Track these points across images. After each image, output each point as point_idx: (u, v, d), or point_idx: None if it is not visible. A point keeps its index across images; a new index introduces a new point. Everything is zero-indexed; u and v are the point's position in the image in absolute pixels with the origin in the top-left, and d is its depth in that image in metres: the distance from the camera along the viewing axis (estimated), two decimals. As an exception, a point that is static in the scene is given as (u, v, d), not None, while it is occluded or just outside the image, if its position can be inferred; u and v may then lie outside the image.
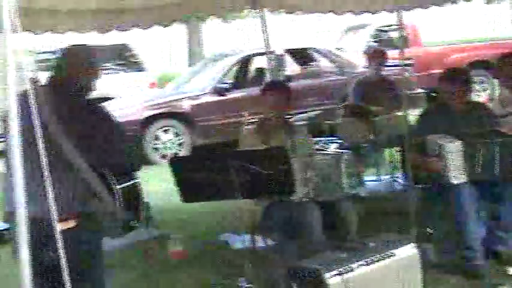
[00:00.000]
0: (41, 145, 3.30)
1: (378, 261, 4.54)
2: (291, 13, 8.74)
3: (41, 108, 3.50)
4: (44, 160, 3.34)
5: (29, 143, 3.35)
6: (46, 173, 3.37)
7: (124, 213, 4.27)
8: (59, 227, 3.57)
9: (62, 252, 3.35)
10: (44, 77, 4.10)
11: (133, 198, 4.43)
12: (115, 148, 4.14)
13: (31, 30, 6.77)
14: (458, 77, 6.34)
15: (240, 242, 6.75)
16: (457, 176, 5.73)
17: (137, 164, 4.45)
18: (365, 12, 8.31)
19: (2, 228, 8.01)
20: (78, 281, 3.77)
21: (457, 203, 5.76)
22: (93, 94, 4.32)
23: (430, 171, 5.96)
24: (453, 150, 5.74)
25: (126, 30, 7.74)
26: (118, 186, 4.27)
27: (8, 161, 4.02)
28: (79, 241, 3.96)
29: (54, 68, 4.28)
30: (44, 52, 13.95)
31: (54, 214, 3.44)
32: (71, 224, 3.92)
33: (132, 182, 4.45)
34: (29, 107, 3.29)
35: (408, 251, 4.73)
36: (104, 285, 4.28)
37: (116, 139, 4.18)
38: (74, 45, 4.43)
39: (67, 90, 4.10)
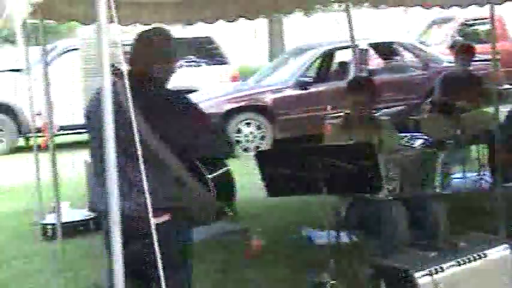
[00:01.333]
0: (133, 140, 3.26)
1: (469, 262, 4.41)
2: (376, 7, 8.61)
3: (125, 103, 3.46)
4: (136, 156, 3.30)
5: (118, 139, 3.31)
6: (139, 169, 3.34)
7: (217, 202, 4.22)
8: (153, 222, 3.57)
9: (155, 246, 3.31)
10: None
11: (225, 186, 4.39)
12: (203, 137, 4.01)
13: (117, 22, 6.78)
14: None
15: (323, 237, 6.67)
16: None
17: (227, 151, 4.33)
18: (454, 6, 8.09)
19: (86, 218, 8.16)
20: (171, 273, 3.79)
21: None
22: (176, 86, 4.19)
23: None
24: None
25: (211, 22, 7.74)
26: (210, 176, 4.22)
27: (94, 154, 4.02)
28: (173, 234, 3.92)
29: (132, 57, 4.04)
30: (126, 45, 14.07)
31: (148, 210, 3.42)
32: (165, 218, 3.87)
33: (223, 170, 4.41)
34: (116, 101, 3.25)
35: (501, 252, 4.58)
36: (191, 276, 4.23)
37: (203, 127, 4.05)
38: (147, 30, 4.21)
39: (147, 81, 3.95)
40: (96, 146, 3.89)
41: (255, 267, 6.35)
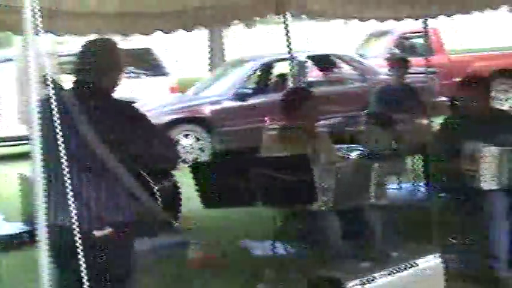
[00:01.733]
0: (63, 152, 3.25)
1: (400, 271, 4.48)
2: (314, 19, 8.72)
3: (70, 113, 3.45)
4: (68, 167, 3.30)
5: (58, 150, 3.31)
6: (70, 181, 3.35)
7: (164, 214, 4.21)
8: (95, 234, 3.72)
9: (84, 258, 3.32)
10: (66, 80, 3.99)
11: (172, 197, 4.39)
12: (153, 147, 3.99)
13: (52, 32, 6.75)
14: (478, 83, 6.28)
15: (260, 249, 6.69)
16: (488, 181, 5.66)
17: (174, 162, 4.32)
18: (390, 19, 8.25)
19: (22, 231, 8.04)
20: (115, 285, 3.91)
21: (487, 210, 5.69)
22: (115, 97, 4.16)
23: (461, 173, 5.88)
24: (488, 154, 5.66)
25: (148, 34, 7.71)
26: (156, 187, 4.21)
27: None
28: (114, 247, 3.90)
29: (78, 67, 4.03)
30: (66, 55, 13.95)
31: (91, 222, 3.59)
32: (107, 231, 3.86)
33: (170, 181, 4.41)
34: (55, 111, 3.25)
35: (432, 261, 4.67)
36: None
37: (152, 137, 4.02)
38: (94, 40, 4.25)
39: (94, 91, 3.94)
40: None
41: (199, 280, 6.34)
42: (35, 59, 3.02)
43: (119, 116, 3.91)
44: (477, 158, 5.67)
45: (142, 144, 3.94)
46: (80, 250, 3.27)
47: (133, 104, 4.15)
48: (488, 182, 5.67)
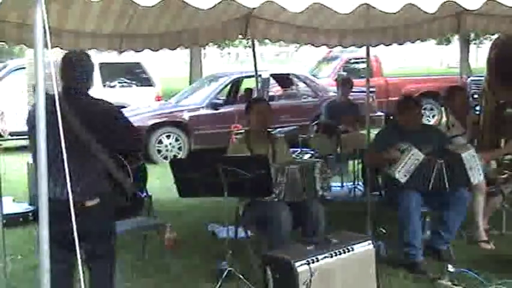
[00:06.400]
0: (62, 140, 3.28)
1: (340, 254, 4.50)
2: (275, 43, 8.77)
3: (64, 110, 3.50)
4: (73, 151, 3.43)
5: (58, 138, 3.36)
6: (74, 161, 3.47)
7: (135, 187, 4.36)
8: (86, 204, 3.93)
9: (77, 224, 3.37)
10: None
11: (141, 175, 4.53)
12: (123, 134, 4.16)
13: (59, 46, 6.74)
14: (413, 102, 6.37)
15: (224, 232, 6.67)
16: (401, 174, 5.69)
17: (138, 145, 4.45)
18: (337, 45, 8.34)
19: (28, 210, 7.98)
20: (100, 248, 4.11)
21: (402, 206, 5.74)
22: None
23: (386, 159, 5.91)
24: (414, 155, 5.69)
25: (138, 51, 7.71)
26: (130, 167, 4.37)
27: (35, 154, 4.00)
28: (101, 215, 4.07)
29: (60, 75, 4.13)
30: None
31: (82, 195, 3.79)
32: (95, 201, 4.02)
33: (140, 163, 4.56)
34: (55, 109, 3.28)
35: (365, 247, 4.70)
36: (114, 252, 4.34)
37: (120, 126, 4.17)
38: (67, 53, 4.27)
39: (76, 93, 4.05)
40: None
41: (171, 257, 6.31)
42: (42, 68, 3.03)
43: (96, 111, 4.04)
44: (404, 152, 5.71)
45: (114, 131, 4.09)
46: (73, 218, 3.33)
47: (106, 100, 4.22)
48: (401, 174, 5.67)
